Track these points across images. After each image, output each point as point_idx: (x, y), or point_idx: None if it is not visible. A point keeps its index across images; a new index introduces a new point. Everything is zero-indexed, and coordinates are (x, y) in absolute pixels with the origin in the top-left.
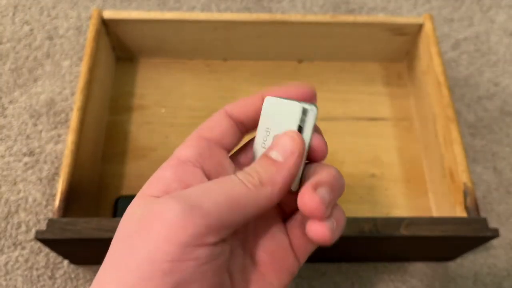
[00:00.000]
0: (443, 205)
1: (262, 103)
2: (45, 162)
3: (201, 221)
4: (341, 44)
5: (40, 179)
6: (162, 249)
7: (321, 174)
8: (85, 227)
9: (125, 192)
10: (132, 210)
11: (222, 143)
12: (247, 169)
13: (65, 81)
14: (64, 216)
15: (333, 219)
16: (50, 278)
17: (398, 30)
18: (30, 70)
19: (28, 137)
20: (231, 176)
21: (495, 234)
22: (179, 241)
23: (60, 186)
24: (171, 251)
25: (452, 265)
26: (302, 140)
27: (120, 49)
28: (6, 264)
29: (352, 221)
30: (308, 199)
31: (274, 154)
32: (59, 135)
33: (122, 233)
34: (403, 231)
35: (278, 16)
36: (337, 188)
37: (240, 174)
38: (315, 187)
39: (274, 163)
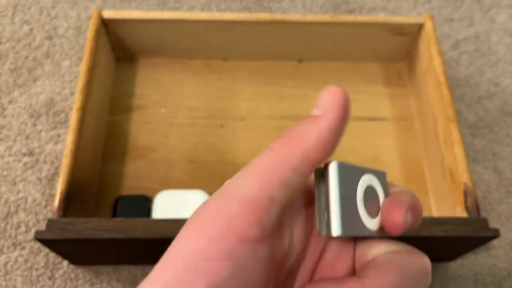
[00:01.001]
0: (443, 205)
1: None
2: (44, 162)
3: (233, 208)
4: (341, 44)
5: (40, 179)
6: (193, 246)
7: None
8: (84, 227)
9: (125, 192)
10: None
11: None
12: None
13: (65, 81)
14: (64, 216)
15: None
16: (49, 278)
17: (398, 30)
18: (29, 70)
19: (27, 137)
20: (264, 150)
21: (495, 234)
22: (210, 234)
23: (59, 186)
24: (203, 248)
25: (453, 265)
26: (342, 91)
27: (120, 49)
28: (5, 264)
29: None
30: None
31: (314, 112)
32: (58, 135)
33: None
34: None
35: (278, 16)
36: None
37: (273, 141)
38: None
39: (309, 117)
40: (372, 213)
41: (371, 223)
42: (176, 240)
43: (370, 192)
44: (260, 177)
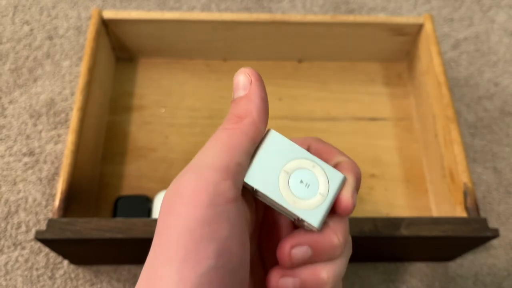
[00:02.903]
0: (443, 205)
1: None
2: (45, 162)
3: (214, 176)
4: (341, 44)
5: (40, 179)
6: (195, 215)
7: (312, 235)
8: (84, 227)
9: (125, 192)
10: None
11: None
12: (226, 117)
13: (65, 81)
14: (64, 216)
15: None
16: (50, 278)
17: (398, 30)
18: (30, 70)
19: (28, 137)
20: (217, 131)
21: (495, 234)
22: (204, 202)
23: (60, 186)
24: (202, 215)
25: (452, 265)
26: (252, 69)
27: (120, 49)
28: (6, 264)
29: (352, 221)
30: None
31: (239, 93)
32: (59, 135)
33: (159, 220)
34: (403, 231)
35: (278, 16)
36: (321, 253)
37: (222, 124)
38: (293, 246)
39: (242, 99)
40: (299, 192)
41: (290, 198)
42: (165, 218)
43: (307, 175)
44: (226, 149)
